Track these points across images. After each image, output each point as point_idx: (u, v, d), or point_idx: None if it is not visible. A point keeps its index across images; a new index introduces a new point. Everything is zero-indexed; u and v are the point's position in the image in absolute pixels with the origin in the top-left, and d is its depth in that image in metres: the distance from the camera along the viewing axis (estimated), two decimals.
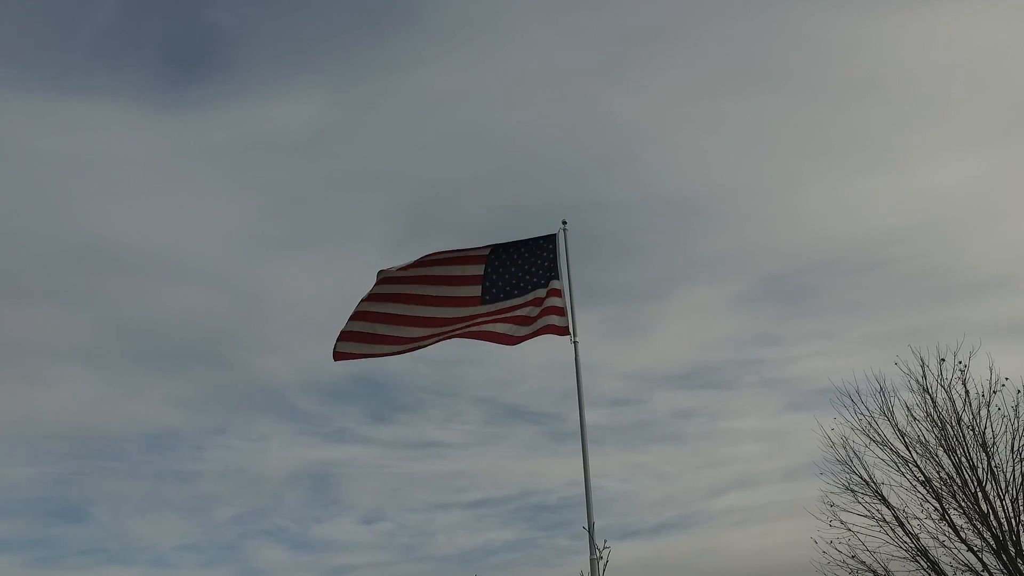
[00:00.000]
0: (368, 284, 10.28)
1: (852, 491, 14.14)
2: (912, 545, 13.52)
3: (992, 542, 12.89)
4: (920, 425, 13.79)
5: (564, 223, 10.72)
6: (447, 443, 34.17)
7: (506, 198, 35.24)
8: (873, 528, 13.78)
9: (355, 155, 39.49)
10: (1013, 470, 12.98)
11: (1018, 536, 12.76)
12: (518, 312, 10.21)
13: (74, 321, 36.00)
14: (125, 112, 36.62)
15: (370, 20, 39.96)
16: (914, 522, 13.59)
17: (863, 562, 13.68)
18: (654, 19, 37.37)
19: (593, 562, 7.84)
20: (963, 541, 13.21)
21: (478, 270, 10.41)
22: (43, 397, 34.55)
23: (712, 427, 32.59)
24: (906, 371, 14.03)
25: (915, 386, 13.94)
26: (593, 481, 8.44)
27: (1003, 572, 12.85)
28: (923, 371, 13.86)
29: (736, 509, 29.64)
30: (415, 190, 38.95)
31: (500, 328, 10.14)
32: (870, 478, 14.06)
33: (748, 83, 36.30)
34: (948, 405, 13.57)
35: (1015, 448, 13.06)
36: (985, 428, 13.24)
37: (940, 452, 13.53)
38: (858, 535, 13.79)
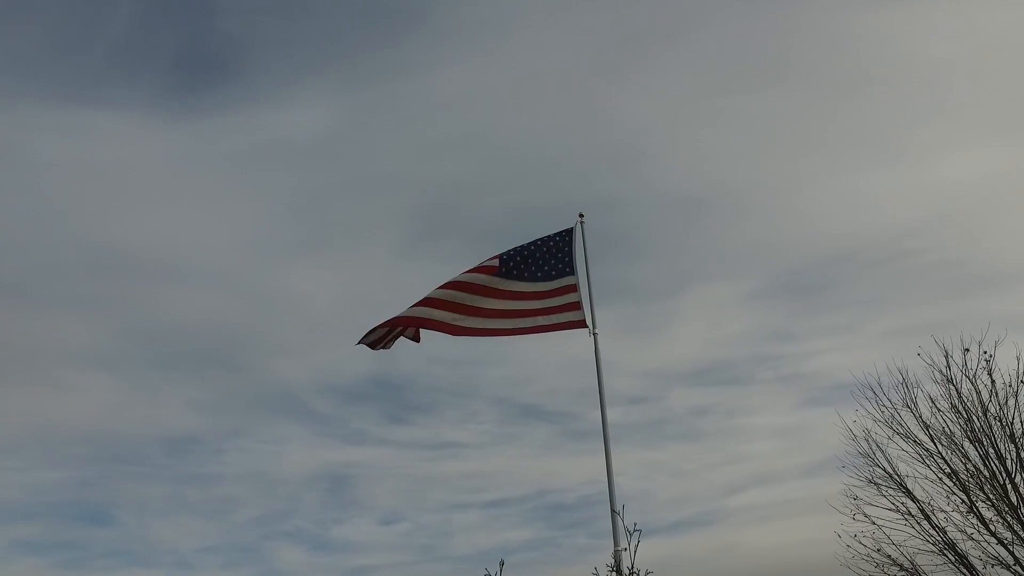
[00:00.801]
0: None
1: (875, 484, 13.94)
2: (939, 539, 13.29)
3: (1023, 534, 12.64)
4: (945, 416, 13.57)
5: (581, 216, 10.69)
6: (463, 443, 34.24)
7: (517, 199, 35.28)
8: (898, 522, 13.57)
9: (366, 158, 39.67)
10: None
11: None
12: (535, 303, 10.16)
13: (94, 328, 36.37)
14: (139, 120, 36.92)
15: (378, 24, 40.15)
16: (941, 515, 13.36)
17: (889, 556, 13.45)
18: (658, 17, 37.28)
19: (617, 554, 7.71)
20: (992, 534, 12.96)
21: (492, 270, 10.41)
22: (66, 403, 34.99)
23: (729, 424, 32.41)
24: (929, 362, 13.81)
25: (939, 377, 13.71)
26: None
27: None
28: (947, 361, 13.64)
29: (754, 506, 29.46)
30: (426, 192, 39.06)
31: (519, 323, 10.15)
32: (894, 471, 13.86)
33: (755, 78, 36.13)
34: (973, 396, 13.34)
35: None
36: (1013, 419, 13.01)
37: (966, 443, 13.30)
38: (883, 528, 13.58)
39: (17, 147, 34.77)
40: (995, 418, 13.09)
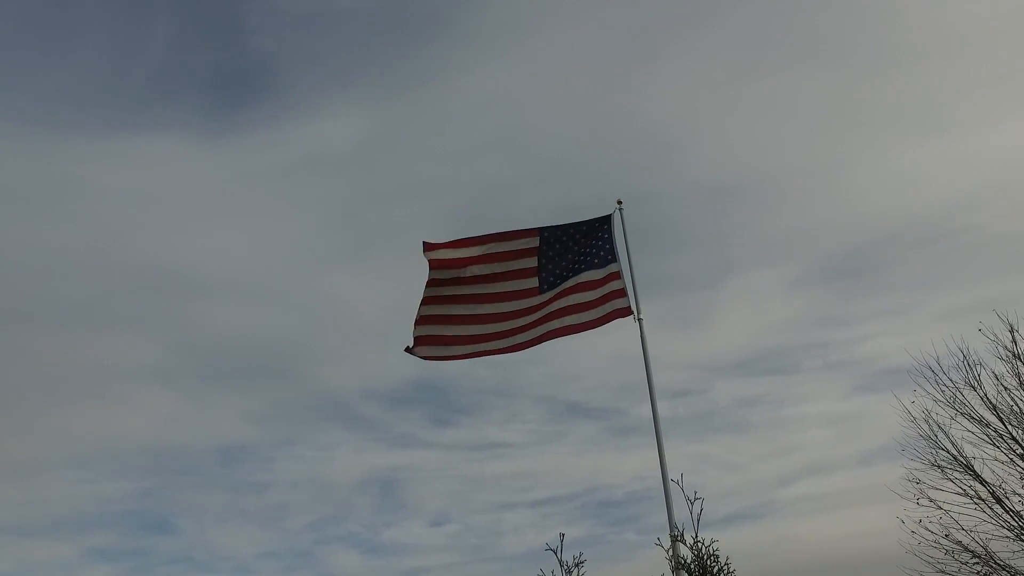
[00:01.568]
0: (421, 291, 10.27)
1: (939, 467, 13.39)
2: (1015, 523, 12.68)
3: None
4: (1013, 395, 12.98)
5: (619, 203, 10.48)
6: (509, 443, 34.20)
7: (552, 197, 35.06)
8: (967, 506, 13.01)
9: (402, 165, 39.99)
10: None
11: None
12: (578, 297, 10.05)
13: (152, 346, 37.27)
14: (181, 141, 37.82)
15: (404, 33, 40.46)
16: (1015, 498, 12.76)
17: (959, 542, 12.89)
18: (680, 4, 36.82)
19: (673, 538, 7.48)
20: None
21: (531, 262, 10.35)
22: (127, 417, 36.08)
23: (777, 414, 31.75)
24: (992, 338, 13.24)
25: (1004, 353, 13.14)
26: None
27: None
28: (1012, 336, 13.06)
29: (808, 497, 28.74)
30: (462, 195, 39.12)
31: (566, 321, 10.06)
32: (959, 452, 13.31)
33: (784, 59, 35.50)
34: None
35: None
36: None
37: None
38: (950, 513, 13.04)
39: (73, 179, 36.05)
40: None
